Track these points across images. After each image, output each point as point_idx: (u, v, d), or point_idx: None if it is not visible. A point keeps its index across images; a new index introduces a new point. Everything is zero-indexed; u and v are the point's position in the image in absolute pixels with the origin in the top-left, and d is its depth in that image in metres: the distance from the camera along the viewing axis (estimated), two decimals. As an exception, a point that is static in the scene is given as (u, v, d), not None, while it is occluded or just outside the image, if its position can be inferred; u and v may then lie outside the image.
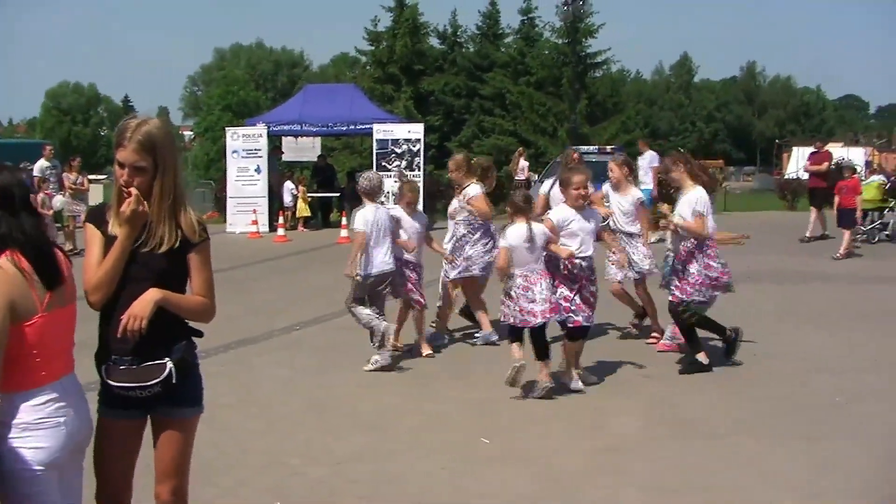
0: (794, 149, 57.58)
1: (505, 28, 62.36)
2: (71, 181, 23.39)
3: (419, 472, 7.28)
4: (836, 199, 22.16)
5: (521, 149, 27.26)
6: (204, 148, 78.83)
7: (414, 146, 28.16)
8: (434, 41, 61.77)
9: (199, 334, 4.63)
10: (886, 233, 24.34)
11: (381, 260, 10.46)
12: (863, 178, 42.26)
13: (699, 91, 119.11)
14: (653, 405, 9.13)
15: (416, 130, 29.18)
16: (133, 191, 4.29)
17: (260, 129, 29.22)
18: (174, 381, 4.40)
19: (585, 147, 30.67)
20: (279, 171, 30.44)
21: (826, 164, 24.59)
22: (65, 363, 4.24)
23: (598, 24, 54.34)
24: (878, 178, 26.56)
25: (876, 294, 15.76)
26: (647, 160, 25.18)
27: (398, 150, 27.87)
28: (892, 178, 27.03)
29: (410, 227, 11.04)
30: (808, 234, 23.77)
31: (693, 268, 10.36)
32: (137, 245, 4.37)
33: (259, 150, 28.59)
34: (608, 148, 30.07)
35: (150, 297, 4.30)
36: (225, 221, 27.81)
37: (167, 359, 4.40)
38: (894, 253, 21.61)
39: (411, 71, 56.89)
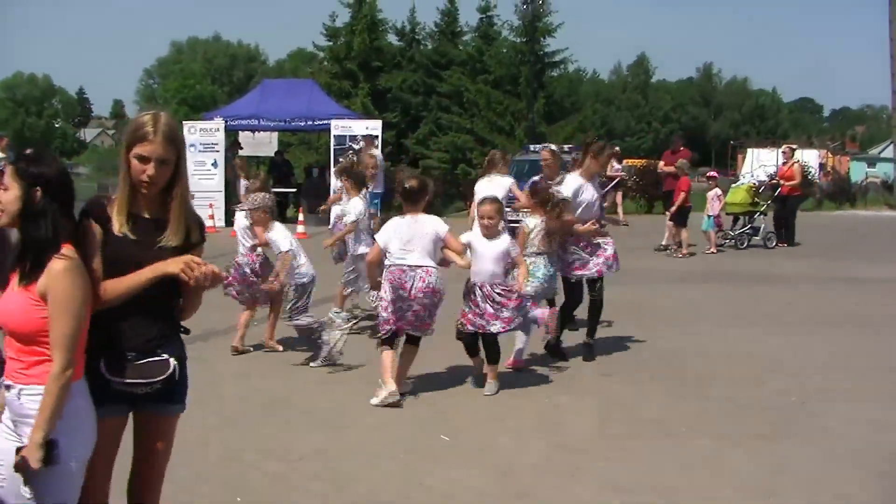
0: (749, 150, 58.15)
1: (463, 26, 62.37)
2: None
3: (378, 468, 7.29)
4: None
5: (616, 149, 26.09)
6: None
7: (372, 142, 28.14)
8: (392, 38, 61.73)
9: (187, 332, 4.64)
10: (758, 237, 23.10)
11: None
12: (817, 179, 42.38)
13: (656, 92, 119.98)
14: (610, 404, 9.19)
15: (373, 127, 29.23)
16: (213, 268, 4.33)
17: (217, 124, 29.16)
18: (177, 377, 4.41)
19: (542, 146, 30.72)
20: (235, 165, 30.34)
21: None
22: None
23: (557, 24, 54.49)
24: (748, 181, 25.39)
25: (829, 296, 15.94)
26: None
27: (356, 147, 27.81)
28: (769, 179, 25.28)
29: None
30: (663, 243, 22.36)
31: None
32: (154, 237, 4.36)
33: (216, 144, 28.53)
34: (565, 147, 30.13)
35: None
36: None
37: (167, 356, 4.39)
38: (825, 253, 21.86)
39: (369, 67, 56.77)
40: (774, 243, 23.11)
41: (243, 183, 28.99)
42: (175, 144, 4.33)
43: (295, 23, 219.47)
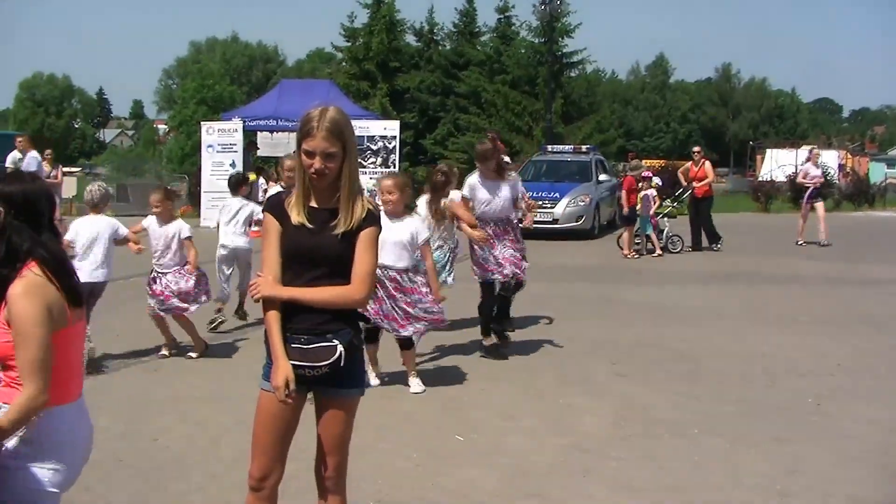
0: (768, 151, 57.93)
1: (481, 26, 62.41)
2: (45, 174, 23.20)
3: (391, 467, 7.29)
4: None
5: (815, 151, 25.27)
6: (179, 142, 78.43)
7: (390, 143, 28.18)
8: (410, 38, 61.83)
9: (366, 319, 4.73)
10: (661, 241, 22.02)
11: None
12: (836, 180, 42.08)
13: (674, 92, 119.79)
14: (623, 403, 9.17)
15: (392, 127, 29.22)
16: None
17: (235, 124, 29.20)
18: (342, 364, 4.55)
19: (560, 147, 30.81)
20: (254, 166, 30.34)
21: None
22: (80, 382, 4.12)
23: (575, 24, 54.46)
24: (652, 181, 23.45)
25: (846, 297, 15.87)
26: (26, 161, 23.00)
27: (374, 147, 27.88)
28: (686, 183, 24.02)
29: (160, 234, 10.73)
30: None
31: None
32: (327, 226, 4.54)
33: (234, 144, 28.57)
34: (583, 147, 30.15)
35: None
36: (199, 216, 27.70)
37: (337, 342, 4.54)
38: (843, 254, 21.72)
39: (387, 68, 56.82)
40: (680, 248, 22.24)
41: (260, 183, 29.17)
42: (340, 138, 4.51)
43: (313, 23, 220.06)
